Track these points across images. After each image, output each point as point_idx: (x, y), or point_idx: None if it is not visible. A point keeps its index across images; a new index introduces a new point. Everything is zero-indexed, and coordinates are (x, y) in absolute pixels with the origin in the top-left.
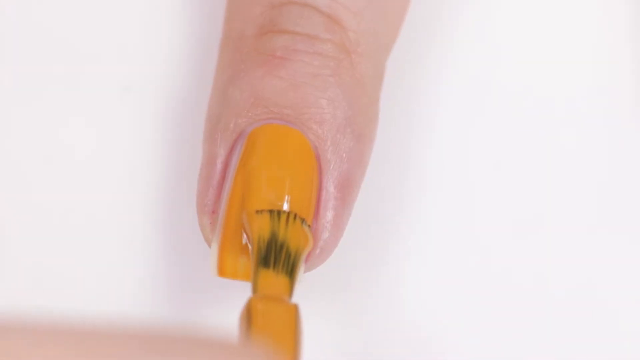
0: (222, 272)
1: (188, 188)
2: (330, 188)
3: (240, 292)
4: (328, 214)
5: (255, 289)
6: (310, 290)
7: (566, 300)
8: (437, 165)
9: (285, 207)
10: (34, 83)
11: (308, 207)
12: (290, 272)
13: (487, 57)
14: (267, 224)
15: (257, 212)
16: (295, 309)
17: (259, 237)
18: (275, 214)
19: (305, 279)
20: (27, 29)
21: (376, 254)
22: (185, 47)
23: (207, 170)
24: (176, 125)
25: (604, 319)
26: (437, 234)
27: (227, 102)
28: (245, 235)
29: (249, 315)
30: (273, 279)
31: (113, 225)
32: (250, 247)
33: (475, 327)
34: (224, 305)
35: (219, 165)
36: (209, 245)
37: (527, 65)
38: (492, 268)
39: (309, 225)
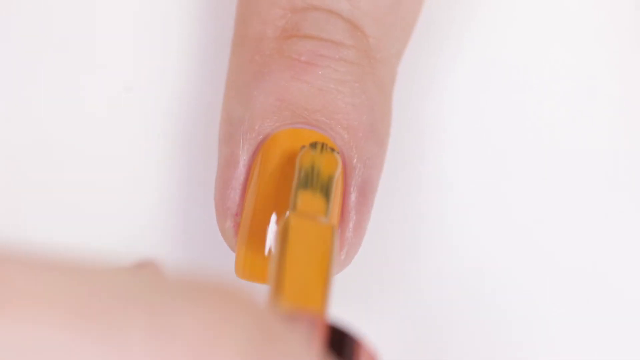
0: (250, 274)
1: (189, 188)
2: (353, 193)
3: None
4: (351, 218)
5: (293, 209)
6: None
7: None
8: (448, 166)
9: None
10: (35, 82)
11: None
12: (326, 193)
13: (493, 60)
14: (308, 155)
15: (301, 148)
16: (331, 228)
17: (300, 166)
18: (314, 145)
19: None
20: (28, 28)
21: (385, 254)
22: (186, 48)
23: (228, 173)
24: (177, 125)
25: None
26: (448, 234)
27: (250, 104)
28: (269, 236)
29: (285, 230)
30: (310, 198)
31: (114, 225)
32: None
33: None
34: None
35: (241, 168)
36: (232, 248)
37: (536, 64)
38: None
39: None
